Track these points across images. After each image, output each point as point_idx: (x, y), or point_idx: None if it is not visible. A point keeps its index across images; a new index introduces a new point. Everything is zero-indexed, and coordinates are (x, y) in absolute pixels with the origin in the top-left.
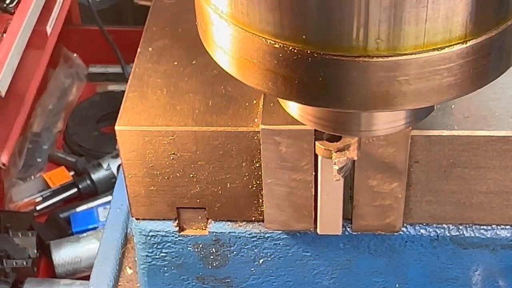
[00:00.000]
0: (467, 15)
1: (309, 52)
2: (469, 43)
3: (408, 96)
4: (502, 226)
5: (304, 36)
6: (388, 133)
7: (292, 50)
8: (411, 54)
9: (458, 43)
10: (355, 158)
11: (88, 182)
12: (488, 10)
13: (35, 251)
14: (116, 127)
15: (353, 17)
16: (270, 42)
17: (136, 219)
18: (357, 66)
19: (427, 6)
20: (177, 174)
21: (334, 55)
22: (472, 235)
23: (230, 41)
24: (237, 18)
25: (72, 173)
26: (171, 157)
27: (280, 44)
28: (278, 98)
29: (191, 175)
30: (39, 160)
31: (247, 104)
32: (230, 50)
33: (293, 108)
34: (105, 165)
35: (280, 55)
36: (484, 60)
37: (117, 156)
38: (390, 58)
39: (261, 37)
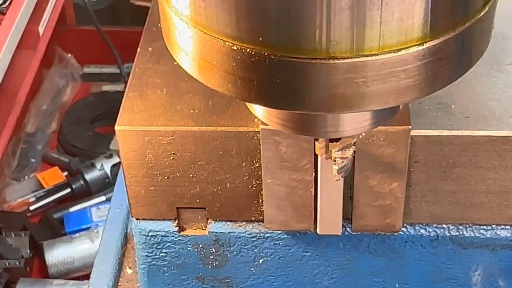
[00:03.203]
0: (422, 17)
1: (266, 54)
2: (426, 45)
3: (366, 97)
4: (502, 226)
5: (261, 38)
6: (356, 133)
7: (250, 52)
8: (367, 56)
9: (415, 45)
10: (324, 158)
11: (82, 182)
12: (444, 13)
13: (28, 251)
14: (116, 127)
15: (309, 20)
16: (228, 44)
17: (136, 219)
18: (314, 68)
19: (381, 8)
20: (177, 174)
21: (291, 57)
22: (472, 235)
23: (191, 43)
24: (196, 20)
25: (65, 173)
26: (171, 157)
27: (238, 46)
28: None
29: (191, 175)
30: (32, 160)
31: (247, 104)
32: (191, 52)
33: (259, 110)
34: (98, 166)
35: (238, 57)
36: (442, 62)
37: (110, 156)
38: (346, 60)
39: (219, 39)
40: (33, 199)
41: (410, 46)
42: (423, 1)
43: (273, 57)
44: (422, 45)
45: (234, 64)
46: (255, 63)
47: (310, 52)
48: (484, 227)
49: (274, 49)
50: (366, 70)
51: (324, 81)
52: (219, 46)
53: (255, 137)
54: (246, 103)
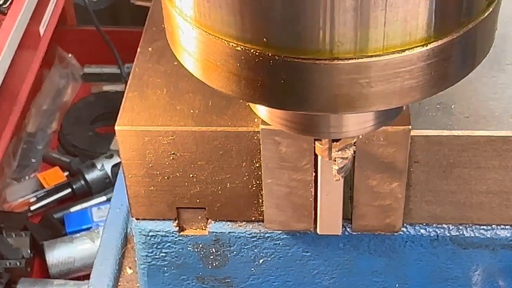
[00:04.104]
0: (426, 18)
1: (270, 55)
2: (430, 46)
3: (370, 98)
4: (502, 226)
5: (265, 39)
6: (359, 134)
7: (254, 53)
8: (371, 56)
9: (419, 46)
10: (327, 159)
11: (82, 182)
12: (448, 13)
13: (29, 251)
14: (116, 127)
15: (313, 20)
16: (232, 45)
17: (136, 219)
18: (318, 68)
19: (386, 9)
20: (177, 174)
21: (295, 58)
22: (472, 235)
23: (195, 44)
24: (200, 21)
25: (66, 173)
26: (171, 157)
27: (242, 47)
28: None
29: (191, 175)
30: (33, 160)
31: (247, 104)
32: (195, 52)
33: (262, 110)
34: (99, 166)
35: (242, 57)
36: (446, 62)
37: (111, 156)
38: (350, 61)
39: (223, 40)
40: (33, 199)
41: (414, 47)
42: (427, 2)
43: (277, 58)
44: (426, 46)
45: (238, 64)
46: (259, 63)
47: (314, 53)
48: (484, 227)
49: (278, 50)
50: (370, 70)
51: (328, 82)
52: (223, 47)
53: (255, 137)
54: (249, 103)
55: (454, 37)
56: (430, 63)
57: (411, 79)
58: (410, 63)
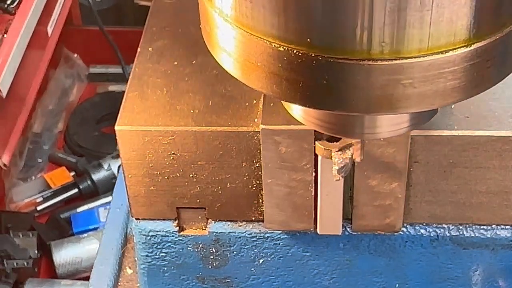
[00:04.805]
0: (471, 18)
1: (313, 55)
2: (473, 47)
3: (412, 99)
4: (502, 226)
5: (308, 40)
6: (392, 135)
7: (297, 53)
8: (415, 57)
9: (462, 47)
10: (359, 160)
11: (89, 182)
12: (492, 14)
13: (36, 251)
14: (116, 127)
15: (357, 21)
16: (274, 46)
17: (136, 219)
18: (361, 69)
19: (432, 9)
20: (177, 174)
21: (339, 58)
22: (472, 235)
23: (234, 44)
24: (241, 21)
25: (72, 173)
26: (171, 157)
27: (284, 47)
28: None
29: (191, 175)
30: (39, 160)
31: (247, 104)
32: (235, 53)
33: (296, 110)
34: (105, 166)
35: (285, 58)
36: (488, 63)
37: (117, 156)
38: (394, 61)
39: (265, 40)
40: (40, 199)
41: (458, 48)
42: (472, 3)
43: (320, 58)
44: (470, 46)
45: (280, 65)
46: (302, 64)
47: (358, 53)
48: (484, 227)
49: (322, 50)
50: (413, 71)
51: (370, 83)
52: (265, 47)
53: (255, 137)
54: (282, 102)
55: (497, 37)
56: (473, 64)
57: (454, 79)
58: (453, 64)
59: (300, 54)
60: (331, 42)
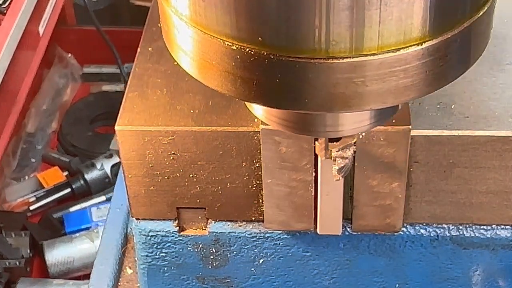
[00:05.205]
0: (421, 17)
1: (265, 54)
2: (425, 45)
3: (365, 97)
4: (502, 226)
5: (260, 38)
6: (355, 132)
7: (249, 52)
8: (366, 55)
9: (414, 45)
10: (323, 159)
11: (82, 182)
12: (443, 12)
13: (28, 251)
14: (116, 127)
15: (307, 19)
16: (227, 44)
17: (136, 219)
18: (313, 68)
19: (380, 8)
20: (177, 174)
21: (290, 57)
22: (472, 235)
23: (190, 43)
24: (195, 20)
25: (65, 173)
26: (171, 157)
27: (237, 46)
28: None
29: (191, 175)
30: (33, 160)
31: (246, 104)
32: (191, 51)
33: (258, 109)
34: (98, 165)
35: (238, 57)
36: (441, 61)
37: (110, 156)
38: (345, 60)
39: (219, 39)
40: (33, 199)
41: (409, 46)
42: (422, 1)
43: (272, 57)
44: (421, 45)
45: (234, 63)
46: (255, 62)
47: (309, 52)
48: (484, 227)
49: (273, 48)
50: (365, 69)
51: (323, 81)
52: (218, 46)
53: (255, 137)
54: (246, 103)
55: (449, 36)
56: (425, 62)
57: (406, 78)
58: (405, 62)
59: (252, 52)
60: (283, 40)
